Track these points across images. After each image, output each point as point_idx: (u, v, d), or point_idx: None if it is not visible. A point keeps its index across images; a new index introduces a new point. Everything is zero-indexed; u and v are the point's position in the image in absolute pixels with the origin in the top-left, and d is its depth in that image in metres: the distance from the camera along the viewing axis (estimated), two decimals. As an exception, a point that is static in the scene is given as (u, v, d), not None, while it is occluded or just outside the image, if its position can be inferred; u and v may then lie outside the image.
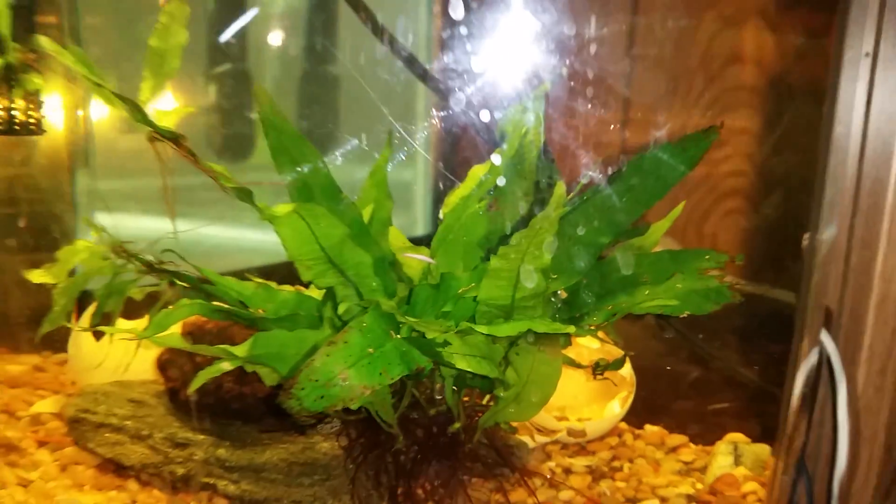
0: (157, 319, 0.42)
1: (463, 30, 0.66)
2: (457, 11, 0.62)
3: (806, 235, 0.42)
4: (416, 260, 0.47)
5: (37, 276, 0.49)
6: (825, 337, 0.93)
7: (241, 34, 0.71)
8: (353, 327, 0.37)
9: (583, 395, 0.60)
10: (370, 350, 0.37)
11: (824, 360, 0.97)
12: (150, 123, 0.39)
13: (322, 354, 0.36)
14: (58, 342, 0.68)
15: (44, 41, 0.39)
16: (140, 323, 0.52)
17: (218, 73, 0.67)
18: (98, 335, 0.58)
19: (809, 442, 1.20)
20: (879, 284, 1.18)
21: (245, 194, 0.40)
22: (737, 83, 0.71)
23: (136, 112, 0.39)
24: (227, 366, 0.41)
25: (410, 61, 0.67)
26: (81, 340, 0.62)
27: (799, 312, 0.42)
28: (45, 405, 0.63)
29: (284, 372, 0.43)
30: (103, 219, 0.67)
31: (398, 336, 0.38)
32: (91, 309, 0.57)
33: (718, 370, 0.67)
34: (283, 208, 0.37)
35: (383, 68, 0.70)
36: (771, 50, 0.66)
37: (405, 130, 0.70)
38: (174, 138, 0.39)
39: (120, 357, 0.57)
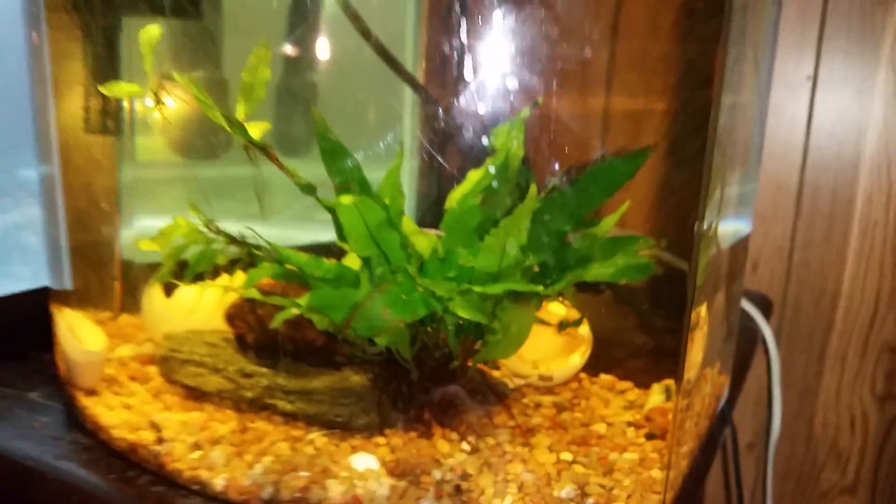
0: (249, 276, 0.58)
1: (449, 41, 0.80)
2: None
3: (696, 224, 0.56)
4: (424, 239, 0.64)
5: (146, 245, 0.66)
6: (762, 322, 1.11)
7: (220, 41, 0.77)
8: (391, 281, 0.54)
9: (551, 350, 0.77)
10: (403, 296, 0.54)
11: (759, 341, 1.15)
12: (248, 137, 0.56)
13: (370, 298, 0.53)
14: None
15: (176, 76, 0.56)
16: (219, 281, 0.69)
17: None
18: (168, 291, 0.75)
19: (753, 415, 1.38)
20: (818, 280, 1.37)
21: (310, 189, 0.56)
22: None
23: (238, 128, 0.56)
24: (295, 311, 0.58)
25: (398, 67, 0.82)
26: (155, 298, 0.79)
27: (689, 293, 0.56)
28: (125, 350, 0.80)
29: (334, 318, 0.60)
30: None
31: (420, 289, 0.55)
32: (161, 271, 0.74)
33: (658, 334, 0.82)
34: (345, 199, 0.53)
35: (369, 72, 0.83)
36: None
37: (392, 132, 0.84)
38: (263, 147, 0.56)
39: (187, 311, 0.74)
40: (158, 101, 0.57)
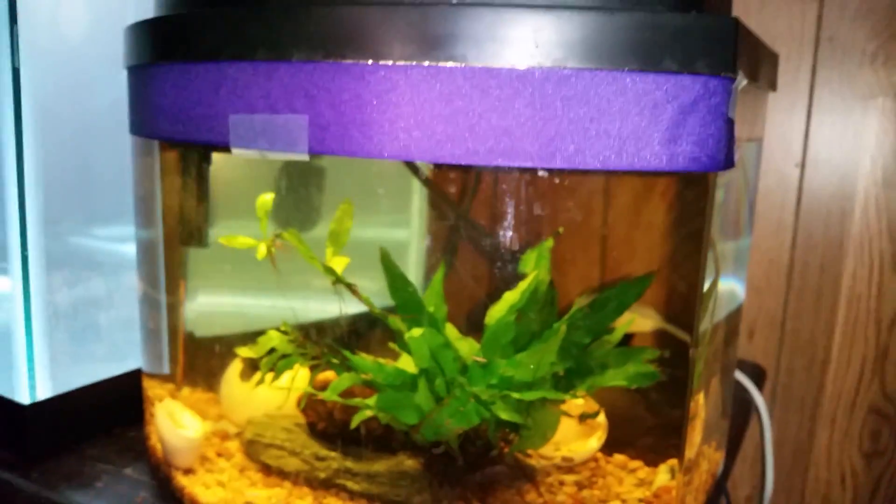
0: (334, 385, 0.72)
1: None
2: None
3: (691, 350, 0.69)
4: (466, 345, 0.77)
5: (244, 352, 0.80)
6: (754, 392, 1.24)
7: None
8: (451, 396, 0.68)
9: (571, 434, 0.90)
10: (461, 408, 0.68)
11: (752, 410, 1.28)
12: (336, 276, 0.70)
13: (436, 410, 0.67)
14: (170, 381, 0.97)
15: (285, 235, 0.70)
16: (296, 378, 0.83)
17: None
18: (246, 377, 0.89)
19: (748, 478, 1.50)
20: (808, 348, 1.50)
21: (384, 316, 0.70)
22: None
23: (329, 271, 0.70)
24: (369, 412, 0.72)
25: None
26: (234, 383, 0.92)
27: (689, 381, 0.69)
28: (206, 427, 0.93)
29: (398, 416, 0.74)
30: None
31: (473, 400, 0.69)
32: (238, 362, 0.88)
33: (665, 417, 0.94)
34: (416, 332, 0.67)
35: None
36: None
37: (398, 218, 0.96)
38: (349, 285, 0.70)
39: (263, 400, 0.88)
40: (270, 253, 0.71)
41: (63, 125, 0.96)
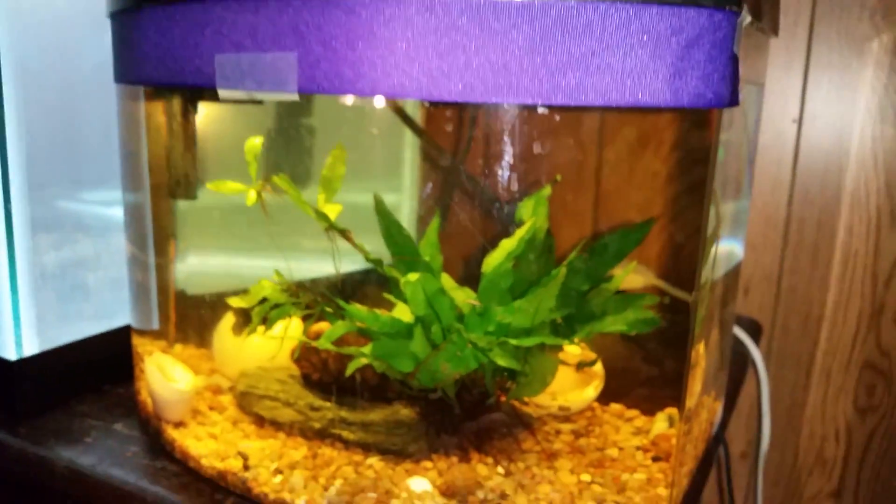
0: (328, 333, 0.71)
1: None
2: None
3: (693, 293, 0.67)
4: (462, 295, 0.76)
5: (235, 302, 0.78)
6: (752, 347, 1.23)
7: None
8: (448, 341, 0.67)
9: (568, 383, 0.89)
10: (458, 353, 0.66)
11: (749, 364, 1.27)
12: (329, 222, 0.68)
13: (433, 355, 0.66)
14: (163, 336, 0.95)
15: (275, 180, 0.68)
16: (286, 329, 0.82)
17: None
18: (238, 331, 0.87)
19: (745, 429, 1.50)
20: (804, 304, 1.50)
21: (378, 263, 0.69)
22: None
23: (321, 216, 0.68)
24: (364, 360, 0.71)
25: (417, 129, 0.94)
26: (226, 336, 0.91)
27: (691, 328, 0.68)
28: (198, 381, 0.91)
29: (393, 365, 0.72)
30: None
31: (469, 346, 0.68)
32: (230, 316, 0.87)
33: (663, 367, 0.93)
34: (412, 276, 0.66)
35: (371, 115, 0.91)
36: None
37: (392, 170, 0.94)
38: (342, 231, 0.68)
39: (256, 351, 0.86)
40: (260, 197, 0.69)
41: (47, 88, 0.93)
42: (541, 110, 0.65)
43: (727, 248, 0.86)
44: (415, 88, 0.57)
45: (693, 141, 0.73)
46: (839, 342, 1.44)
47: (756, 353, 1.25)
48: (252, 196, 0.69)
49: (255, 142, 0.68)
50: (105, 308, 1.13)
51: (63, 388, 0.96)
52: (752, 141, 1.01)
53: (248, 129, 0.80)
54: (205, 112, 0.84)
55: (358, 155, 0.86)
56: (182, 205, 0.93)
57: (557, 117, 0.67)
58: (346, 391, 0.79)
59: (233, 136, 0.82)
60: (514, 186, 0.72)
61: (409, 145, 1.04)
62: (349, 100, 0.83)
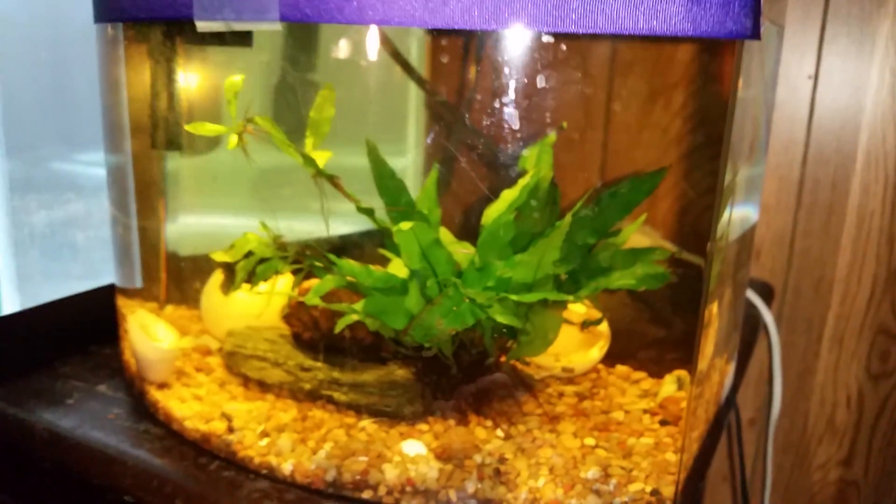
0: (316, 288, 0.66)
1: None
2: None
3: (709, 244, 0.63)
4: (471, 252, 0.72)
5: (219, 257, 0.74)
6: (764, 310, 1.19)
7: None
8: (443, 295, 0.62)
9: (572, 344, 0.85)
10: (454, 308, 0.62)
11: (761, 327, 1.23)
12: (317, 168, 0.64)
13: (426, 310, 0.61)
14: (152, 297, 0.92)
15: (257, 120, 0.63)
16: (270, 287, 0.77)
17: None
18: (227, 290, 0.83)
19: (756, 394, 1.46)
20: (817, 267, 1.45)
21: (369, 212, 0.64)
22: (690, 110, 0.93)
23: (309, 162, 0.63)
24: (355, 316, 0.66)
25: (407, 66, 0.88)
26: (214, 296, 0.86)
27: (704, 288, 0.63)
28: (184, 342, 0.87)
29: (386, 321, 0.68)
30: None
31: (466, 301, 0.63)
32: (218, 274, 0.82)
33: (674, 329, 0.89)
34: (405, 225, 0.61)
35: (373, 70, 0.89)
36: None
37: (397, 129, 0.89)
38: (331, 177, 0.64)
39: (245, 309, 0.82)
40: (241, 139, 0.64)
41: (35, 43, 0.89)
42: (546, 39, 0.60)
43: (742, 212, 0.82)
44: (407, 15, 0.52)
45: (711, 79, 0.68)
46: (852, 306, 1.40)
47: (768, 317, 1.21)
48: (233, 140, 0.64)
49: (235, 79, 0.63)
50: (94, 267, 1.09)
51: (47, 348, 0.92)
52: (769, 100, 0.96)
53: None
54: (190, 57, 0.79)
55: (360, 112, 0.82)
56: (168, 158, 0.89)
57: (564, 47, 0.62)
58: (338, 351, 0.75)
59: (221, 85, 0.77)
60: (518, 131, 0.68)
61: (414, 102, 0.99)
62: (344, 50, 0.78)
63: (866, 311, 1.39)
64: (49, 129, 1.07)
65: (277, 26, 0.55)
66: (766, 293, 1.31)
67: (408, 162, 1.00)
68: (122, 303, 0.86)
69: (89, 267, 1.16)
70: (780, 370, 1.33)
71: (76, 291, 0.96)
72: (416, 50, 0.96)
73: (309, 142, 0.66)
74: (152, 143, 0.80)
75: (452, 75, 0.93)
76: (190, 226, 0.93)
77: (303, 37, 0.84)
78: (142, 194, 0.85)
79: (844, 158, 1.34)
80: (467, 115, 0.87)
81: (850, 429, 1.45)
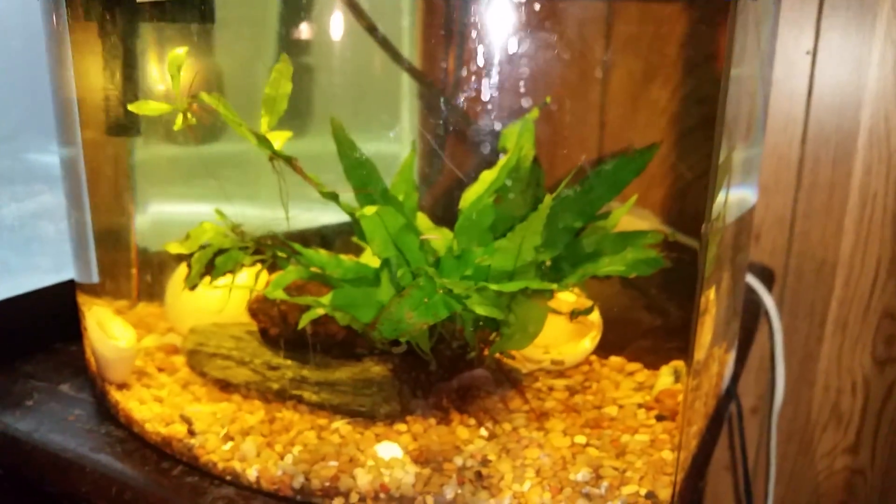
0: (277, 279, 0.61)
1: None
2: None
3: (704, 225, 0.58)
4: (439, 237, 0.66)
5: (174, 248, 0.68)
6: (764, 295, 1.13)
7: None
8: (413, 286, 0.57)
9: (562, 335, 0.80)
10: (425, 299, 0.57)
11: (762, 313, 1.18)
12: (272, 150, 0.58)
13: (395, 302, 0.56)
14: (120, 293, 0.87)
15: (204, 96, 0.58)
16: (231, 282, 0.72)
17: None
18: (193, 288, 0.78)
19: (756, 382, 1.41)
20: (819, 250, 1.40)
21: (334, 197, 0.59)
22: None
23: (264, 142, 0.58)
24: (320, 311, 0.61)
25: (397, 56, 0.83)
26: (179, 291, 0.81)
27: (700, 273, 0.58)
28: (149, 340, 0.82)
29: (356, 315, 0.63)
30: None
31: (440, 291, 0.58)
32: (183, 268, 0.77)
33: (669, 317, 0.84)
34: (369, 210, 0.56)
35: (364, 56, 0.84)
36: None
37: (389, 115, 0.84)
38: (288, 159, 0.58)
39: (212, 304, 0.77)
40: (186, 118, 0.59)
41: (9, 34, 0.85)
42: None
43: (739, 193, 0.77)
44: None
45: (706, 34, 0.63)
46: (856, 290, 1.35)
47: (769, 302, 1.16)
48: (178, 120, 0.59)
49: (179, 52, 0.58)
50: (64, 261, 1.05)
51: (7, 345, 0.87)
52: (766, 77, 0.91)
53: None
54: (140, 35, 0.73)
55: (342, 95, 0.77)
56: (127, 145, 0.84)
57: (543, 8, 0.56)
58: (308, 347, 0.70)
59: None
60: (501, 108, 0.63)
61: (408, 84, 0.94)
62: (316, 24, 0.73)
63: (870, 295, 1.34)
64: (25, 120, 1.02)
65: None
66: (767, 277, 1.26)
67: (400, 149, 0.95)
68: (81, 299, 0.81)
69: (59, 260, 1.12)
70: (782, 358, 1.28)
71: (41, 286, 0.91)
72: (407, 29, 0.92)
73: (264, 121, 0.61)
74: (108, 131, 0.74)
75: (441, 52, 0.88)
76: (151, 215, 0.88)
77: (275, 13, 0.79)
78: (96, 184, 0.79)
79: (845, 136, 1.29)
80: (453, 94, 0.81)
81: (855, 416, 1.40)
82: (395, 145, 0.84)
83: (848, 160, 1.30)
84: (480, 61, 0.62)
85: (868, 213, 1.31)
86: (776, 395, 1.28)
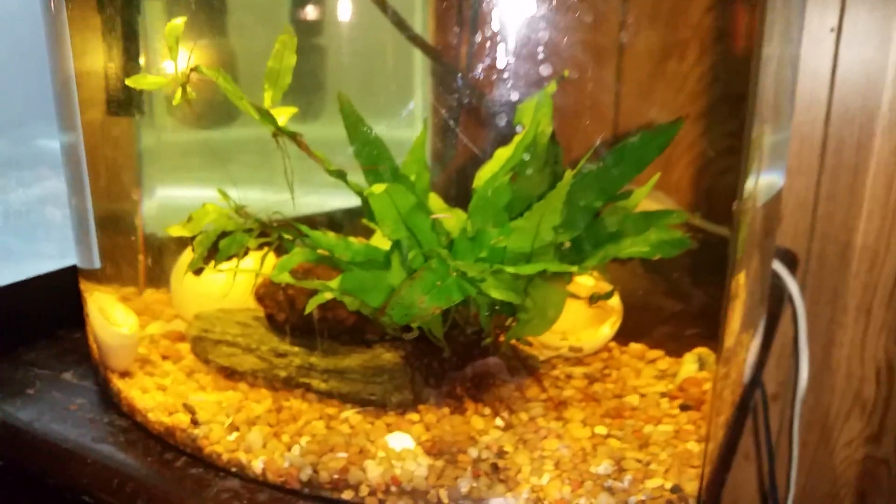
0: (282, 262, 0.58)
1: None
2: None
3: (735, 202, 0.55)
4: (452, 218, 0.63)
5: (176, 231, 0.66)
6: (788, 279, 1.10)
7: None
8: (425, 268, 0.54)
9: (581, 320, 0.77)
10: (438, 283, 0.54)
11: (786, 298, 1.14)
12: (276, 125, 0.55)
13: (406, 286, 0.53)
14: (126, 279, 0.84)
15: (203, 69, 0.55)
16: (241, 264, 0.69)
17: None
18: (199, 272, 0.75)
19: (777, 368, 1.38)
20: (842, 233, 1.36)
21: (341, 175, 0.56)
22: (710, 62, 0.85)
23: (267, 117, 0.55)
24: (328, 295, 0.58)
25: (411, 33, 0.80)
26: (183, 276, 0.79)
27: (731, 256, 0.55)
28: (154, 328, 0.80)
29: (366, 300, 0.60)
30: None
31: (454, 275, 0.55)
32: (188, 253, 0.74)
33: (692, 302, 0.81)
34: (377, 188, 0.53)
35: (379, 34, 0.80)
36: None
37: (403, 95, 0.82)
38: (293, 135, 0.55)
39: (217, 289, 0.74)
40: (185, 92, 0.56)
41: (16, 20, 0.83)
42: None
43: (768, 178, 0.73)
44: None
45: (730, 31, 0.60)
46: (881, 275, 1.31)
47: (793, 287, 1.12)
48: (178, 94, 0.56)
49: (177, 22, 0.55)
50: (70, 245, 1.03)
51: (9, 333, 0.85)
52: (793, 56, 0.87)
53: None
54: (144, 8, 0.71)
55: (363, 83, 0.74)
56: (132, 128, 0.81)
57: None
58: (317, 334, 0.67)
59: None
60: (518, 82, 0.60)
61: (420, 71, 0.91)
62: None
63: (895, 280, 1.30)
64: (33, 106, 1.01)
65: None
66: (790, 261, 1.22)
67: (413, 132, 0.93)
68: (83, 285, 0.78)
69: (66, 245, 1.10)
70: (806, 344, 1.25)
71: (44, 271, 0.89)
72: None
73: (267, 95, 0.58)
74: (107, 109, 0.71)
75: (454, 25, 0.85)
76: (166, 200, 0.86)
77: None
78: (97, 167, 0.77)
79: (870, 116, 1.25)
80: (467, 69, 0.78)
81: (878, 404, 1.37)
82: (408, 129, 0.81)
83: (873, 141, 1.26)
84: (495, 30, 0.59)
85: (893, 196, 1.27)
86: (800, 382, 1.25)
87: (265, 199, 0.67)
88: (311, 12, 0.78)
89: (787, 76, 0.78)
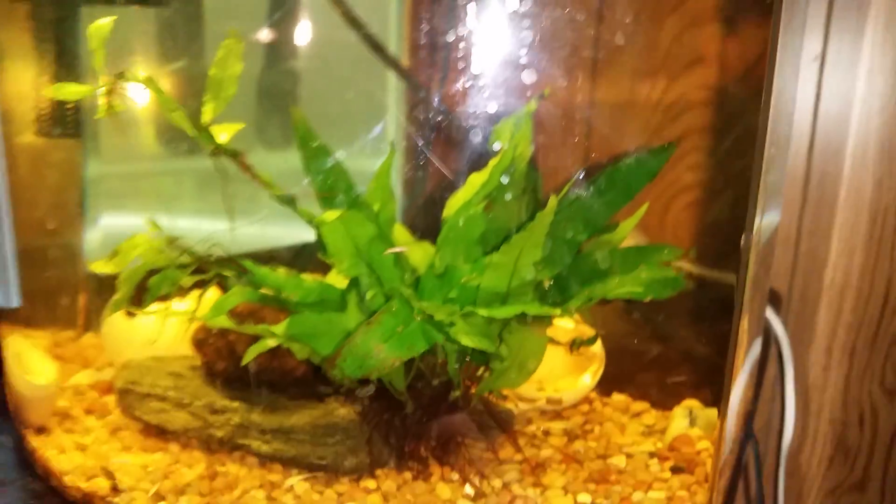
0: (217, 303, 0.50)
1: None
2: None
3: (744, 236, 0.49)
4: (419, 251, 0.55)
5: (99, 267, 0.57)
6: (774, 319, 1.03)
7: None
8: (384, 311, 0.46)
9: (559, 368, 0.69)
10: (399, 329, 0.46)
11: (772, 340, 1.08)
12: (213, 142, 0.47)
13: (361, 332, 0.45)
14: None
15: (131, 75, 0.47)
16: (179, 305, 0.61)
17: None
18: (131, 315, 0.66)
19: (757, 412, 1.31)
20: (827, 271, 1.29)
21: (290, 202, 0.48)
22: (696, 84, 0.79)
23: (203, 133, 0.47)
24: (271, 342, 0.50)
25: (384, 54, 0.74)
26: (116, 320, 0.70)
27: (737, 298, 0.49)
28: (82, 377, 0.71)
29: (316, 347, 0.52)
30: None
31: (419, 318, 0.47)
32: (119, 294, 0.65)
33: (676, 347, 0.75)
34: (329, 215, 0.45)
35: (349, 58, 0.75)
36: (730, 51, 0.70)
37: (374, 120, 0.76)
38: (233, 154, 0.47)
39: (149, 335, 0.65)
40: (111, 103, 0.48)
41: None
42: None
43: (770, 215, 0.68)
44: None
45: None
46: (865, 314, 1.25)
47: (779, 328, 1.06)
48: (102, 106, 0.48)
49: (102, 23, 0.47)
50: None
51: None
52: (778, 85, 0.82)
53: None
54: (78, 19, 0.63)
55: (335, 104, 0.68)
56: (75, 152, 0.73)
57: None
58: (262, 387, 0.59)
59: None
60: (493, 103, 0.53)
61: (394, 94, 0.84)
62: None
63: (880, 320, 1.25)
64: None
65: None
66: (774, 300, 1.16)
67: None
68: (1, 328, 0.69)
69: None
70: (792, 389, 1.18)
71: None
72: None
73: (208, 108, 0.50)
74: (36, 130, 0.63)
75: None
76: (113, 232, 0.77)
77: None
78: (24, 194, 0.68)
79: (856, 149, 1.20)
80: (441, 92, 0.72)
81: (863, 450, 1.31)
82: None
83: (858, 174, 1.21)
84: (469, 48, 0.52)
85: (878, 231, 1.22)
86: (785, 429, 1.18)
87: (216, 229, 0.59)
88: (283, 33, 0.72)
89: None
